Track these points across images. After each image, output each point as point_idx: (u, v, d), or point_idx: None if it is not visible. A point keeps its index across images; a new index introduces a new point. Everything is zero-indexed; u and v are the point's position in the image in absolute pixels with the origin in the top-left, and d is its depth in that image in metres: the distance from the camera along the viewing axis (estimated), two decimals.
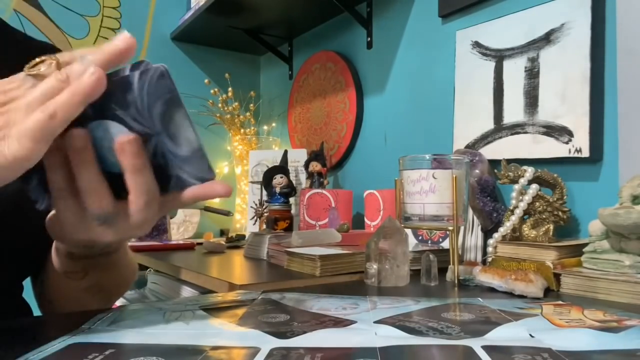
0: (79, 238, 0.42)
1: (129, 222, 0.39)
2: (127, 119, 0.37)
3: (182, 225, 1.64)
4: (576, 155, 0.87)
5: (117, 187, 0.39)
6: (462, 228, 0.94)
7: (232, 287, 0.71)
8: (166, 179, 0.40)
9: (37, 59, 0.37)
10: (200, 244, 1.30)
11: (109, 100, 0.37)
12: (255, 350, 0.37)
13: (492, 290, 0.66)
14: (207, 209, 1.69)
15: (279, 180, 1.27)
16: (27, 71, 0.37)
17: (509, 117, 0.99)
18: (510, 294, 0.63)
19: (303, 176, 1.48)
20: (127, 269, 0.60)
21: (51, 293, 0.57)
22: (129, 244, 0.90)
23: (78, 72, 0.35)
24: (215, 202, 1.83)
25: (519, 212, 0.81)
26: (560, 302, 0.57)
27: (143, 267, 1.21)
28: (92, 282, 0.53)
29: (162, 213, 0.41)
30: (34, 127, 0.34)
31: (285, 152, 1.42)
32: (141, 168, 0.37)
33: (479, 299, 0.59)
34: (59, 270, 0.52)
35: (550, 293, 0.66)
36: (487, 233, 0.92)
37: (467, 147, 1.06)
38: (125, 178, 0.38)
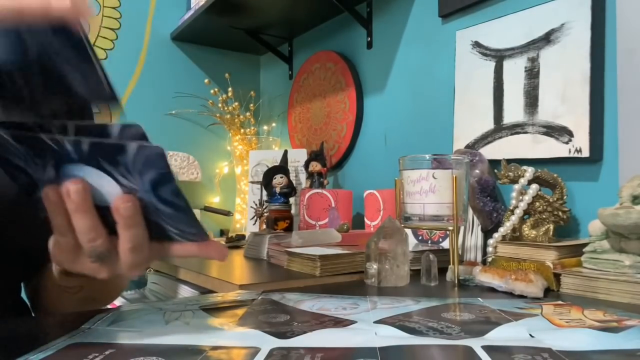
0: (74, 269, 0.43)
1: (120, 261, 0.40)
2: (115, 174, 0.37)
3: None
4: (576, 155, 0.87)
5: (112, 220, 0.38)
6: (462, 228, 0.94)
7: (232, 287, 0.71)
8: (160, 230, 0.40)
9: None
10: None
11: (96, 152, 0.36)
12: (255, 350, 0.37)
13: (492, 290, 0.66)
14: (207, 209, 1.69)
15: (279, 180, 1.27)
16: None
17: (509, 117, 0.99)
18: (510, 294, 0.63)
19: (303, 176, 1.47)
20: (122, 281, 0.62)
21: (45, 300, 0.58)
22: None
23: None
24: (215, 202, 1.83)
25: (519, 212, 0.81)
26: (560, 302, 0.57)
27: None
28: (86, 295, 0.55)
29: (155, 258, 0.41)
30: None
31: (285, 152, 1.42)
32: (132, 224, 0.38)
33: (479, 299, 0.59)
34: (56, 283, 0.53)
35: (550, 293, 0.66)
36: (487, 233, 0.92)
37: (467, 147, 1.06)
38: (117, 227, 0.38)
